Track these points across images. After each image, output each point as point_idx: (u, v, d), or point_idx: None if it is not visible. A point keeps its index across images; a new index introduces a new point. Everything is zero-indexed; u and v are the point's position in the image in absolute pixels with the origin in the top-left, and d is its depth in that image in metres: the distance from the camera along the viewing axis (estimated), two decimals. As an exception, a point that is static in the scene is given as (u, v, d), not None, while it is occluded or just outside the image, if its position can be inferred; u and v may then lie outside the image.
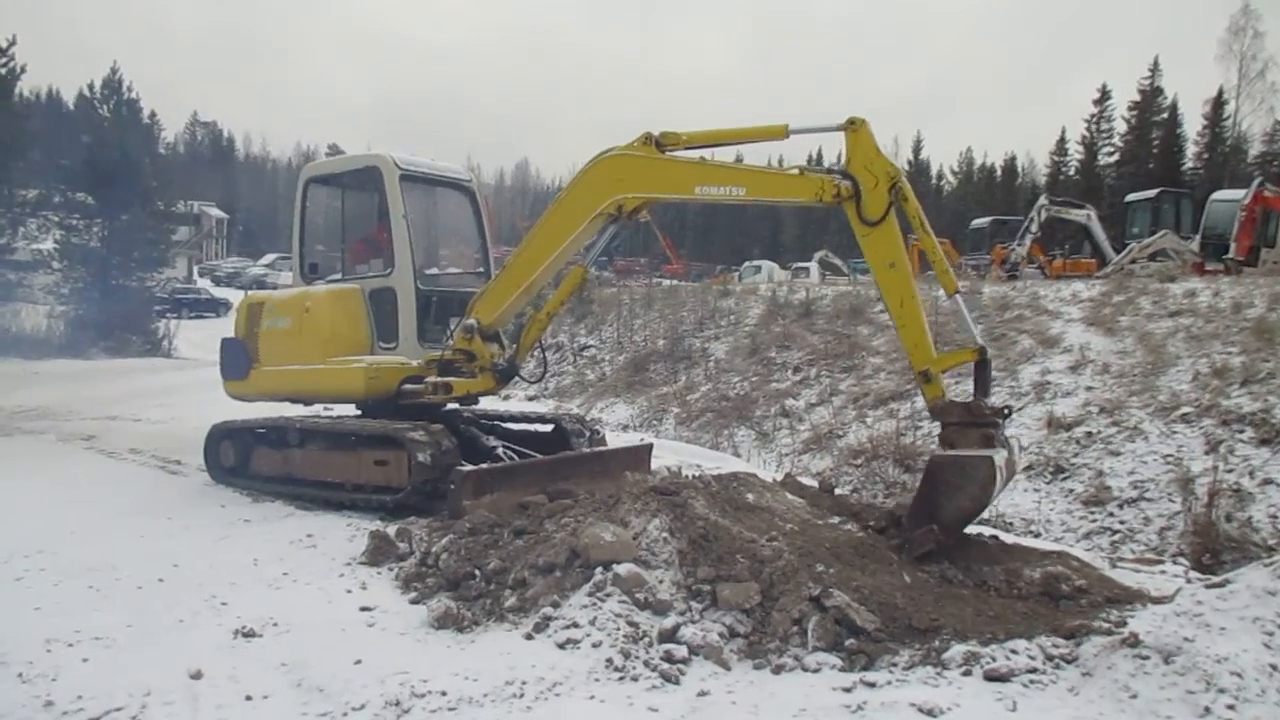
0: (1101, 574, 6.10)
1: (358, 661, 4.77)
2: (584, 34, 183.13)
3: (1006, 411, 6.55)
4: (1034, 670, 4.54)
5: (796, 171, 7.16)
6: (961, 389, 8.91)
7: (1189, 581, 5.96)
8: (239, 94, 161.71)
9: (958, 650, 4.70)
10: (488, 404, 10.12)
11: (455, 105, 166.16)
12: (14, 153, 24.59)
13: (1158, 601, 5.24)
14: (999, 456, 6.05)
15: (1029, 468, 11.23)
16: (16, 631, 5.05)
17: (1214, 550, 8.49)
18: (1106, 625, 4.87)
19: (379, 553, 6.68)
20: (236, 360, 9.78)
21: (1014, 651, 4.67)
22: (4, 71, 25.10)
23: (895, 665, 4.71)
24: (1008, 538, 7.39)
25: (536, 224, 8.46)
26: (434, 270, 9.51)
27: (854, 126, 6.60)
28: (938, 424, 6.59)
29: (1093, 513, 10.09)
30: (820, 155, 56.76)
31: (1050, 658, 4.64)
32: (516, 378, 9.15)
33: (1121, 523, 9.79)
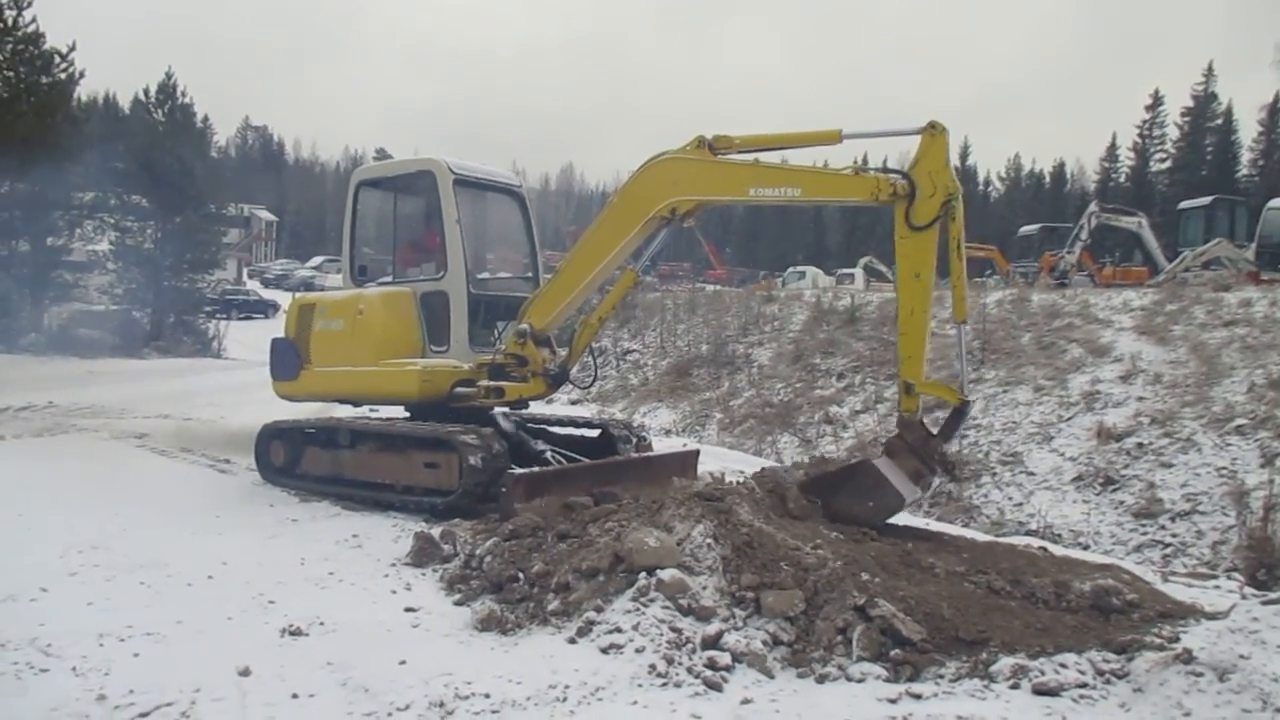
0: (1153, 588, 5.99)
1: (402, 662, 4.80)
2: (635, 40, 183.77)
3: (953, 471, 6.99)
4: (1084, 685, 4.46)
5: (851, 172, 7.17)
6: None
7: (1244, 597, 5.84)
8: (290, 99, 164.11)
9: (1005, 663, 4.63)
10: (535, 408, 10.16)
11: (502, 111, 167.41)
12: (72, 157, 25.14)
13: (1211, 617, 5.14)
14: (912, 495, 6.60)
15: (1078, 478, 11.08)
16: (71, 626, 5.13)
17: (1269, 565, 8.31)
18: (1159, 641, 4.77)
19: (423, 554, 6.73)
20: (287, 361, 9.86)
21: (1063, 665, 4.60)
22: (63, 77, 25.68)
23: (941, 677, 4.65)
24: (1056, 549, 7.29)
25: (589, 229, 8.49)
26: (484, 274, 9.58)
27: (934, 131, 6.61)
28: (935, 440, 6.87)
29: (1144, 525, 9.93)
30: (866, 158, 56.48)
31: (1101, 673, 4.55)
32: (567, 382, 9.20)
33: (1174, 536, 9.63)
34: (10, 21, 24.04)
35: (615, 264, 8.28)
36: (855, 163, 6.41)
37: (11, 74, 24.27)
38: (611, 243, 8.08)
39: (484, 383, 8.68)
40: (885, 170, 6.93)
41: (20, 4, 24.06)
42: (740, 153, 7.59)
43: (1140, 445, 11.25)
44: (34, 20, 24.38)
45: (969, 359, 15.16)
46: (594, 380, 14.11)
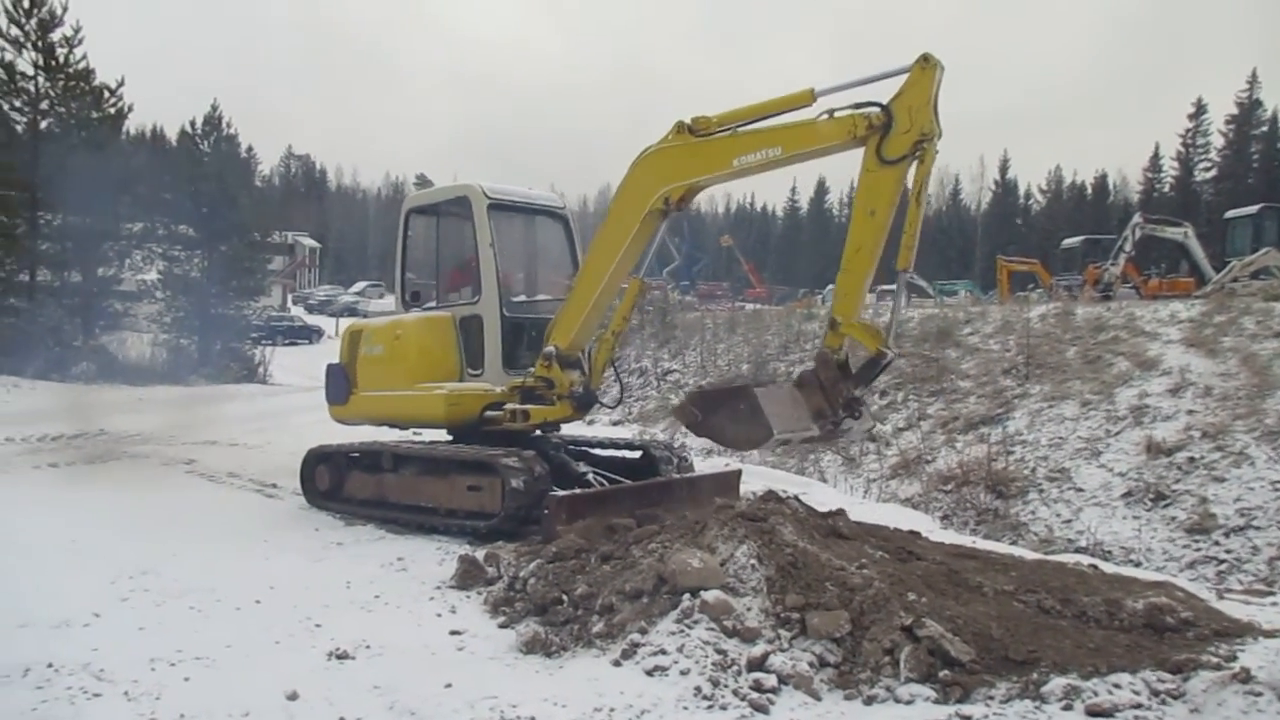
0: (1208, 605, 5.86)
1: (448, 685, 4.82)
2: (674, 62, 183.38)
3: (857, 411, 6.80)
4: (1139, 706, 4.37)
5: (826, 117, 6.93)
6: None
7: (1303, 614, 5.70)
8: (331, 127, 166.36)
9: (1057, 684, 4.55)
10: (576, 430, 10.19)
11: (542, 136, 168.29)
12: (121, 188, 25.72)
13: (1269, 635, 5.04)
14: (789, 433, 6.54)
15: (1128, 494, 10.89)
16: (122, 651, 5.22)
17: (1329, 581, 8.12)
18: (1215, 660, 4.67)
19: (468, 577, 6.75)
20: (338, 385, 10.15)
21: (1117, 686, 4.51)
22: (113, 111, 26.30)
23: (992, 698, 4.58)
24: (1107, 567, 7.17)
25: (593, 241, 8.55)
26: (521, 297, 9.63)
27: (926, 64, 6.42)
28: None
29: (1196, 541, 9.74)
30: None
31: (1156, 693, 4.46)
32: (597, 405, 9.19)
33: (1228, 552, 9.43)
34: (62, 58, 24.70)
35: (625, 268, 8.24)
36: (830, 112, 6.25)
37: (63, 109, 24.92)
38: (615, 247, 8.12)
39: (510, 406, 8.73)
40: (858, 106, 6.69)
41: (71, 41, 24.74)
42: (720, 130, 7.51)
43: (1191, 459, 11.04)
44: (84, 57, 25.08)
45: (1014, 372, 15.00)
46: (621, 398, 14.10)
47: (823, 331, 7.04)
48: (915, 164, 6.47)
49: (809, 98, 7.06)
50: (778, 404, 6.59)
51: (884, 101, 6.55)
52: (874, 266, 6.71)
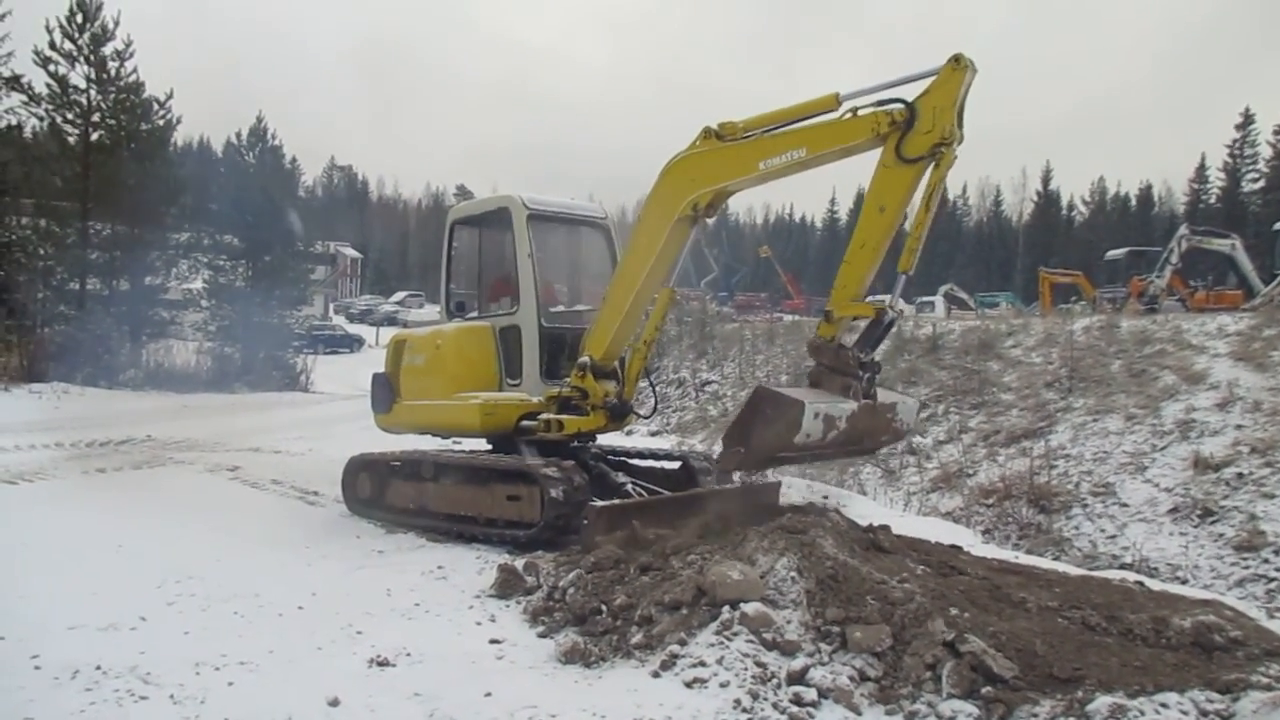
0: (1258, 625, 5.74)
1: (488, 694, 4.84)
2: (722, 76, 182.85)
3: (875, 368, 6.69)
4: (1187, 726, 4.30)
5: (850, 115, 6.86)
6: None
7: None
8: (374, 138, 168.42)
9: (1103, 702, 4.47)
10: (615, 440, 10.19)
11: (582, 147, 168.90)
12: (168, 199, 26.20)
13: (1322, 656, 4.92)
14: (824, 405, 6.23)
15: (1174, 509, 10.71)
16: (168, 654, 5.30)
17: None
18: (1266, 680, 4.57)
19: (507, 586, 6.78)
20: (383, 394, 10.27)
21: (1164, 705, 4.42)
22: (161, 123, 26.82)
23: (1036, 716, 4.50)
24: (1153, 584, 7.05)
25: (625, 249, 8.55)
26: (559, 308, 9.67)
27: (957, 65, 6.33)
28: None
29: (1245, 559, 9.53)
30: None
31: (1204, 713, 4.38)
32: (632, 415, 9.17)
33: (1278, 570, 9.23)
34: (114, 72, 25.23)
35: (657, 276, 8.23)
36: (854, 111, 6.15)
37: (114, 121, 25.44)
38: (646, 257, 8.13)
39: (545, 416, 8.75)
40: (883, 103, 6.62)
41: (122, 56, 25.25)
42: (747, 135, 7.50)
43: (1240, 475, 10.83)
44: (135, 70, 25.60)
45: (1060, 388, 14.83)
46: (654, 409, 14.04)
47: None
48: (932, 167, 6.40)
49: (834, 102, 7.02)
50: (796, 392, 6.57)
51: (910, 100, 6.50)
52: (876, 263, 6.69)
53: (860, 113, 6.75)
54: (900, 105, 6.49)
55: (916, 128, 6.39)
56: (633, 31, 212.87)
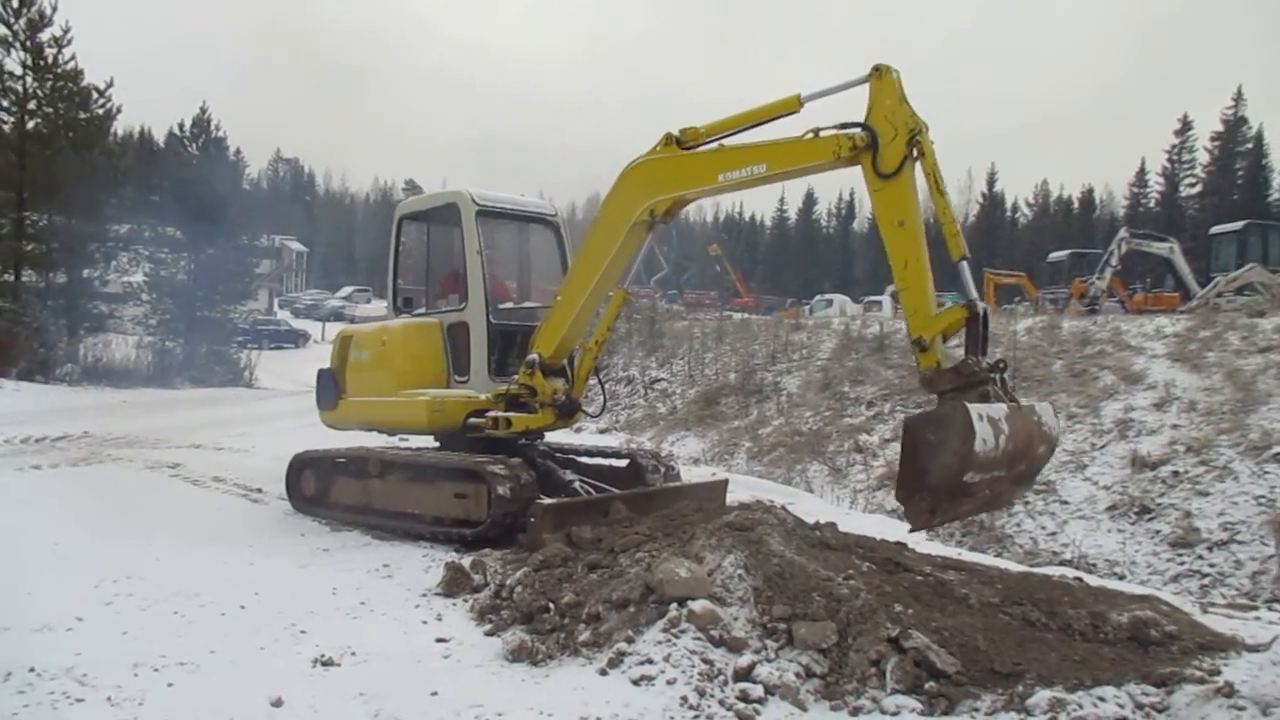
0: (1192, 619, 5.89)
1: (434, 693, 4.80)
2: (681, 76, 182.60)
3: (1002, 366, 6.07)
4: (1123, 719, 4.39)
5: (811, 135, 6.75)
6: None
7: (1286, 629, 5.73)
8: (320, 132, 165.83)
9: (1042, 696, 4.56)
10: (563, 438, 10.17)
11: (532, 145, 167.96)
12: (108, 190, 25.64)
13: (1253, 649, 5.06)
14: (982, 407, 5.59)
15: (1112, 507, 10.94)
16: (106, 655, 5.18)
17: (1311, 596, 8.17)
18: (1199, 674, 4.69)
19: (454, 584, 6.73)
20: (328, 390, 10.17)
21: (1101, 699, 4.51)
22: (101, 112, 26.23)
23: (977, 710, 4.59)
24: (1092, 580, 7.20)
25: (578, 250, 8.53)
26: (508, 304, 9.62)
27: (879, 74, 6.32)
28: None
29: (1180, 555, 9.79)
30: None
31: (1140, 706, 4.47)
32: (580, 413, 9.14)
33: (1211, 566, 9.48)
34: (50, 59, 24.62)
35: (610, 278, 8.22)
36: (815, 131, 6.05)
37: (51, 110, 24.87)
38: (601, 257, 8.09)
39: (492, 413, 8.71)
40: (842, 126, 6.51)
41: (60, 42, 24.66)
42: (708, 141, 7.47)
43: (1176, 473, 11.11)
44: (73, 57, 25.02)
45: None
46: (603, 408, 14.03)
47: (915, 359, 6.31)
48: (919, 160, 6.34)
49: (795, 104, 6.99)
50: (934, 408, 5.99)
51: (863, 120, 6.42)
52: (928, 272, 6.27)
53: (822, 134, 6.65)
54: (859, 130, 6.40)
55: (882, 141, 6.31)
56: (591, 26, 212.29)
